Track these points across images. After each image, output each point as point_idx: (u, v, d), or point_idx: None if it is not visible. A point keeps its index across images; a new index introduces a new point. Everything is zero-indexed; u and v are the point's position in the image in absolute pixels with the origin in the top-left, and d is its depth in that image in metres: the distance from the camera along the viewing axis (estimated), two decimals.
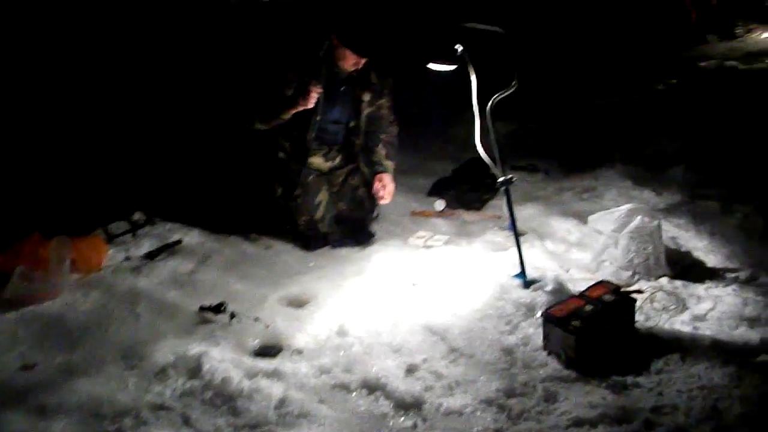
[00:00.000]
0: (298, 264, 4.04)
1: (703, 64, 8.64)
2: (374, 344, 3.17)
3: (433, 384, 2.88)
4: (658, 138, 5.78)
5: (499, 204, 4.82)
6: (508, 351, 3.07)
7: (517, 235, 3.52)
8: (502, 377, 2.91)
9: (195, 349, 3.14)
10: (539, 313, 3.16)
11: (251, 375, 2.96)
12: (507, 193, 3.52)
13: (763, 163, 4.95)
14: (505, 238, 4.22)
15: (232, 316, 3.40)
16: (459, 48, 3.39)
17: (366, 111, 4.23)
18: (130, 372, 3.06)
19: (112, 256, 4.11)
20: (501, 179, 3.50)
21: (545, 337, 3.03)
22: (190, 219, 4.48)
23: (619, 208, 3.68)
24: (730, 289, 3.48)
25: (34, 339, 3.29)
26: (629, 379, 2.85)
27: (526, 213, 4.60)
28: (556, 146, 5.85)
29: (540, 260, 3.86)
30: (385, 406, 2.79)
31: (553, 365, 2.95)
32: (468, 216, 4.61)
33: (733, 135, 5.63)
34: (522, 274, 3.50)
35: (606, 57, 8.64)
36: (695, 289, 3.50)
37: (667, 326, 3.19)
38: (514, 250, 3.91)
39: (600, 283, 3.21)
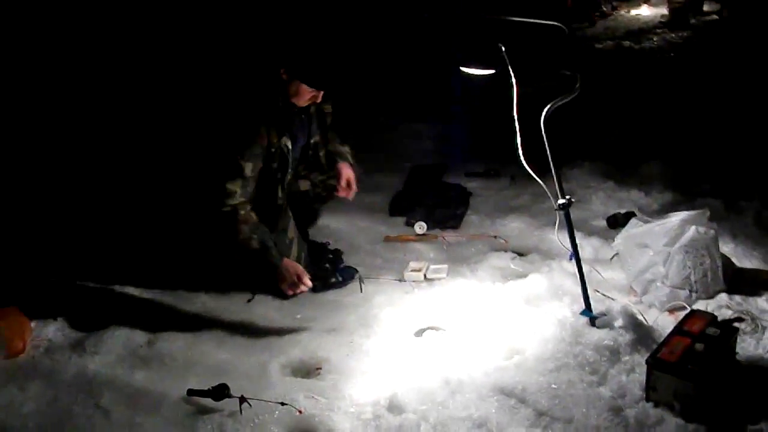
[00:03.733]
0: (281, 318, 3.44)
1: (599, 45, 8.69)
2: (446, 420, 2.66)
3: None
4: (608, 130, 5.61)
5: (474, 220, 4.44)
6: (613, 409, 2.66)
7: (581, 265, 3.12)
8: None
9: None
10: (642, 359, 2.79)
11: None
12: (567, 217, 3.10)
13: (741, 151, 4.87)
14: (510, 261, 3.85)
15: (243, 400, 2.77)
16: (501, 47, 2.94)
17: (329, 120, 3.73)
18: None
19: (37, 331, 3.33)
20: (561, 202, 3.08)
21: (650, 386, 2.66)
22: (123, 273, 3.75)
23: (669, 218, 3.37)
24: None
25: None
26: (765, 428, 2.54)
27: (514, 227, 4.27)
28: (499, 146, 5.50)
29: (568, 285, 3.50)
30: None
31: (672, 420, 2.57)
32: (450, 237, 4.17)
33: (687, 121, 5.54)
34: (588, 309, 3.11)
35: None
36: (758, 303, 3.28)
37: (762, 352, 2.92)
38: (534, 276, 3.59)
39: (694, 314, 2.89)
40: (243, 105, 3.29)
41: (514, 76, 3.00)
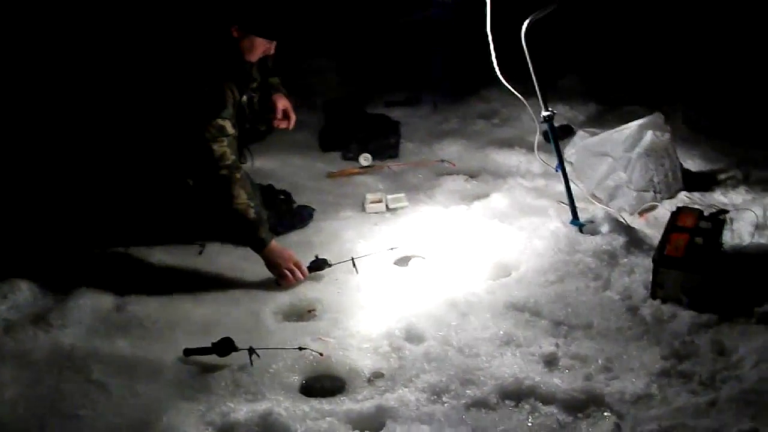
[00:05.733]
0: (252, 266, 3.25)
1: None
2: (471, 342, 2.66)
3: (588, 371, 2.48)
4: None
5: (411, 148, 4.40)
6: (629, 309, 2.75)
7: (566, 176, 3.17)
8: (649, 342, 2.60)
9: (241, 410, 2.40)
10: (638, 259, 2.90)
11: (373, 425, 2.32)
12: (552, 130, 3.13)
13: (651, 59, 5.05)
14: (465, 183, 3.86)
15: (252, 351, 2.64)
16: None
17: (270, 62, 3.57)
18: None
19: None
20: (545, 114, 3.10)
21: (657, 283, 2.76)
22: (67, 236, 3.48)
23: (627, 125, 3.48)
24: (743, 190, 3.50)
25: None
26: None
27: (453, 151, 4.28)
28: (408, 73, 5.44)
29: (533, 200, 3.57)
30: (555, 414, 2.33)
31: (685, 313, 2.69)
32: (396, 166, 4.12)
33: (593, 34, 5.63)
34: (576, 218, 3.18)
35: None
36: (714, 198, 3.47)
37: (739, 242, 3.09)
38: (495, 195, 3.63)
39: (681, 211, 3.02)
40: (208, 66, 3.09)
41: None
